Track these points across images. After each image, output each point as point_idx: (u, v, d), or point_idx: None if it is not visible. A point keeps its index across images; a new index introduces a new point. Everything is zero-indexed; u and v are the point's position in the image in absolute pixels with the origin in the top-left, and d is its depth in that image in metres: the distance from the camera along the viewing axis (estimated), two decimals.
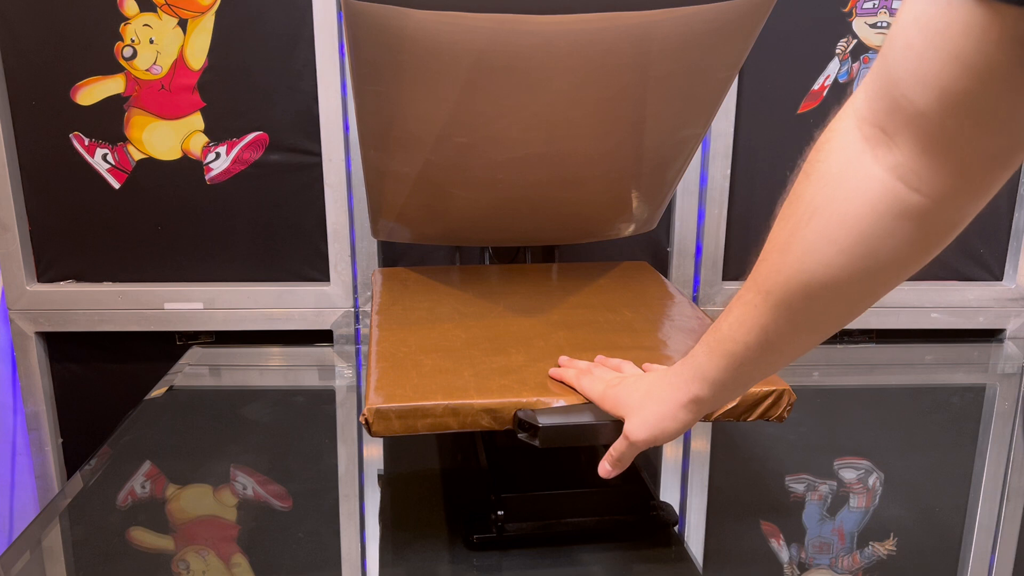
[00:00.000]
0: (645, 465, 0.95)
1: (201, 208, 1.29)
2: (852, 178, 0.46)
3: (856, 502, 0.86)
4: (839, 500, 0.86)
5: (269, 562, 0.76)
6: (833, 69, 1.27)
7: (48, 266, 1.31)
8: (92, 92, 1.23)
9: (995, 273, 1.38)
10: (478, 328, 0.88)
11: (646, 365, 0.75)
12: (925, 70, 0.40)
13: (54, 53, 1.21)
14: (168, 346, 1.33)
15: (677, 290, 1.04)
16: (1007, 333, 1.38)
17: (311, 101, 1.24)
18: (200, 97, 1.24)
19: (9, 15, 1.19)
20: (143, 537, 0.79)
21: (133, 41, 1.21)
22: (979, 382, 1.28)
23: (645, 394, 0.65)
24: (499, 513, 0.76)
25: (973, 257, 1.37)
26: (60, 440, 1.38)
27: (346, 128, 1.25)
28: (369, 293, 1.31)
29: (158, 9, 1.20)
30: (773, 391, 0.73)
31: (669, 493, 0.91)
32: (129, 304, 1.31)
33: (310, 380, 1.27)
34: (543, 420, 0.69)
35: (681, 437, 1.03)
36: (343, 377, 1.23)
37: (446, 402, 0.70)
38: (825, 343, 1.19)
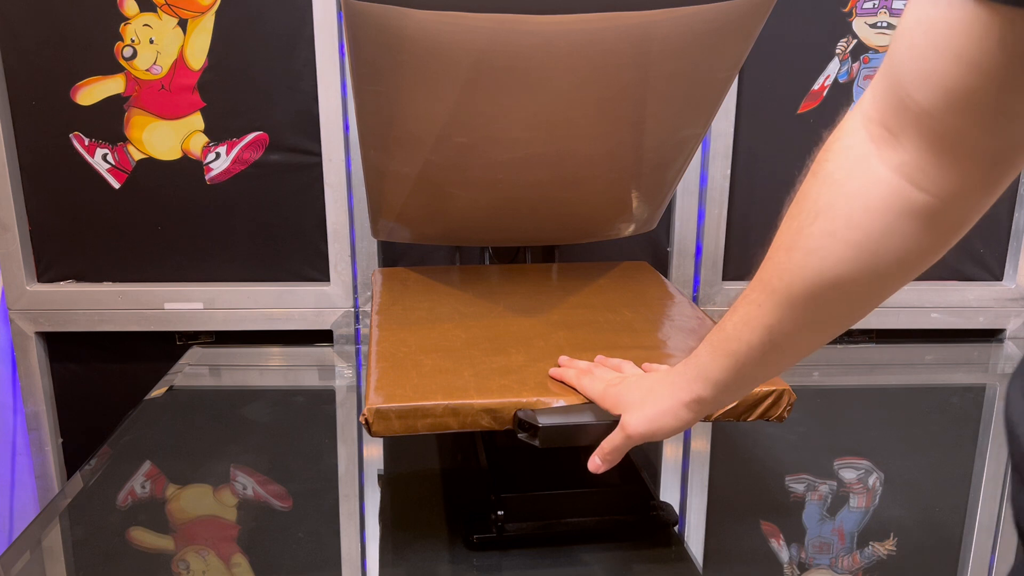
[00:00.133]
0: (645, 465, 0.95)
1: (201, 208, 1.29)
2: (858, 177, 0.46)
3: (856, 502, 0.86)
4: (839, 500, 0.86)
5: (269, 562, 0.76)
6: (833, 69, 1.27)
7: (48, 266, 1.31)
8: (92, 92, 1.23)
9: (995, 273, 1.38)
10: (478, 328, 0.88)
11: (646, 365, 0.75)
12: (929, 70, 0.40)
13: (54, 53, 1.21)
14: (168, 346, 1.33)
15: (677, 290, 1.04)
16: (1007, 333, 1.38)
17: (311, 101, 1.24)
18: (200, 97, 1.24)
19: (9, 15, 1.19)
20: (143, 537, 0.79)
21: (133, 41, 1.21)
22: (979, 382, 1.28)
23: (647, 392, 0.65)
24: (499, 513, 0.76)
25: (973, 257, 1.37)
26: (60, 440, 1.38)
27: (346, 128, 1.25)
28: (369, 293, 1.31)
29: (158, 9, 1.20)
30: (773, 391, 0.73)
31: (669, 493, 0.91)
32: (129, 304, 1.31)
33: (310, 380, 1.27)
34: (543, 420, 0.69)
35: (681, 437, 1.03)
36: (343, 377, 1.23)
37: (446, 402, 0.70)
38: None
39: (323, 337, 1.33)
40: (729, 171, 1.30)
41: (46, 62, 1.21)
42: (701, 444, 1.02)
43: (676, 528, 0.80)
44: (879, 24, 1.25)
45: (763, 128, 1.30)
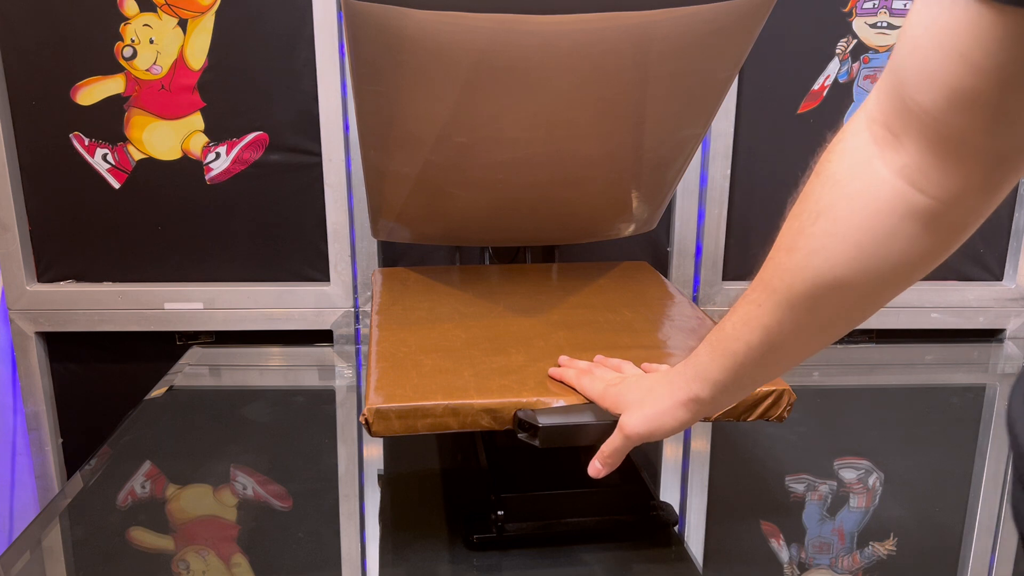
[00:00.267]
0: (645, 465, 0.95)
1: (201, 208, 1.29)
2: (860, 179, 0.46)
3: (856, 502, 0.86)
4: (839, 500, 0.86)
5: (269, 562, 0.76)
6: (833, 69, 1.27)
7: (48, 266, 1.31)
8: (92, 92, 1.23)
9: (995, 273, 1.38)
10: (478, 328, 0.88)
11: (646, 365, 0.75)
12: (930, 69, 0.40)
13: (54, 53, 1.21)
14: (168, 346, 1.33)
15: (677, 290, 1.04)
16: (1007, 333, 1.38)
17: (311, 101, 1.24)
18: (200, 97, 1.24)
19: (9, 15, 1.19)
20: (143, 537, 0.79)
21: (133, 41, 1.21)
22: (979, 382, 1.28)
23: (646, 392, 0.65)
24: (499, 513, 0.76)
25: (973, 257, 1.37)
26: (60, 440, 1.38)
27: (346, 128, 1.25)
28: (369, 293, 1.31)
29: (158, 9, 1.20)
30: (773, 391, 0.73)
31: (669, 493, 0.91)
32: (129, 304, 1.31)
33: (310, 380, 1.27)
34: (543, 420, 0.69)
35: (681, 437, 1.03)
36: (343, 377, 1.23)
37: (446, 402, 0.70)
38: None
39: (323, 337, 1.33)
40: (729, 171, 1.30)
41: (46, 62, 1.21)
42: (701, 444, 1.02)
43: (676, 528, 0.80)
44: (879, 24, 1.25)
45: (763, 128, 1.29)
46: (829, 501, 0.86)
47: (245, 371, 1.29)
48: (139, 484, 0.89)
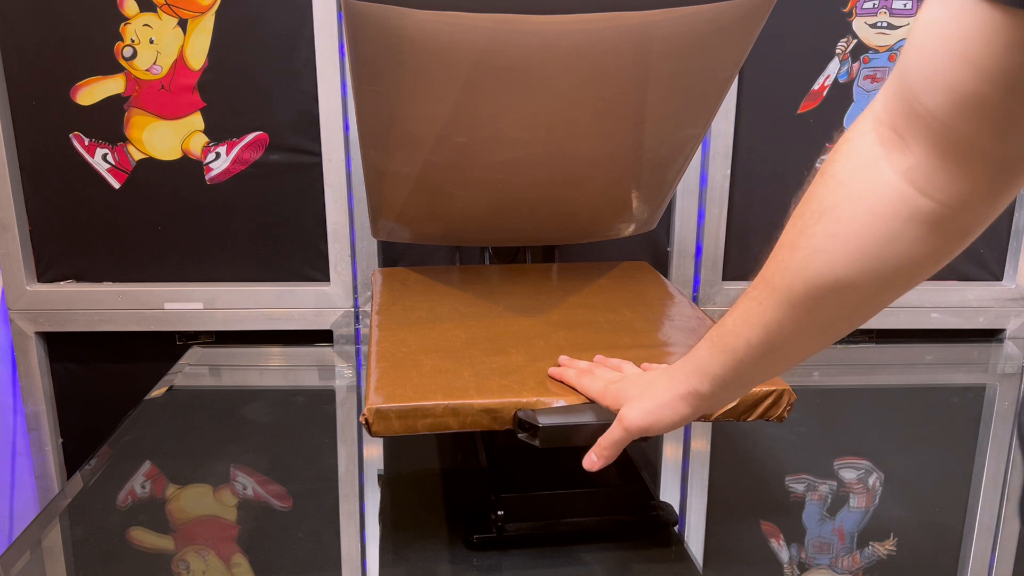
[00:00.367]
0: (645, 465, 0.95)
1: (201, 208, 1.29)
2: (864, 180, 0.46)
3: (856, 502, 0.86)
4: (839, 500, 0.86)
5: (269, 562, 0.76)
6: (833, 69, 1.27)
7: (48, 266, 1.31)
8: (92, 92, 1.23)
9: (995, 273, 1.38)
10: (478, 328, 0.88)
11: (645, 365, 0.75)
12: (937, 73, 0.40)
13: (54, 53, 1.21)
14: (168, 346, 1.33)
15: (677, 290, 1.04)
16: (1007, 333, 1.38)
17: (311, 101, 1.24)
18: (200, 97, 1.24)
19: (9, 15, 1.19)
20: (143, 537, 0.79)
21: (133, 41, 1.21)
22: (979, 382, 1.28)
23: (647, 385, 0.65)
24: (499, 513, 0.76)
25: (973, 257, 1.37)
26: (60, 440, 1.38)
27: (346, 128, 1.25)
28: (369, 293, 1.31)
29: (158, 9, 1.20)
30: (773, 391, 0.73)
31: (669, 493, 0.91)
32: (129, 304, 1.31)
33: (310, 380, 1.27)
34: (543, 420, 0.69)
35: (681, 437, 1.03)
36: (343, 377, 1.23)
37: (446, 402, 0.70)
38: None
39: (323, 337, 1.33)
40: (729, 171, 1.30)
41: (46, 62, 1.21)
42: (701, 444, 1.02)
43: (676, 528, 0.80)
44: (879, 24, 1.25)
45: (763, 128, 1.29)
46: (829, 501, 0.86)
47: (245, 371, 1.29)
48: (139, 484, 0.89)
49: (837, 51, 1.27)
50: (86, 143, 1.25)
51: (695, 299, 1.36)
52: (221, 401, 1.14)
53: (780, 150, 1.30)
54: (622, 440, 0.66)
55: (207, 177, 1.28)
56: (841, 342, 1.35)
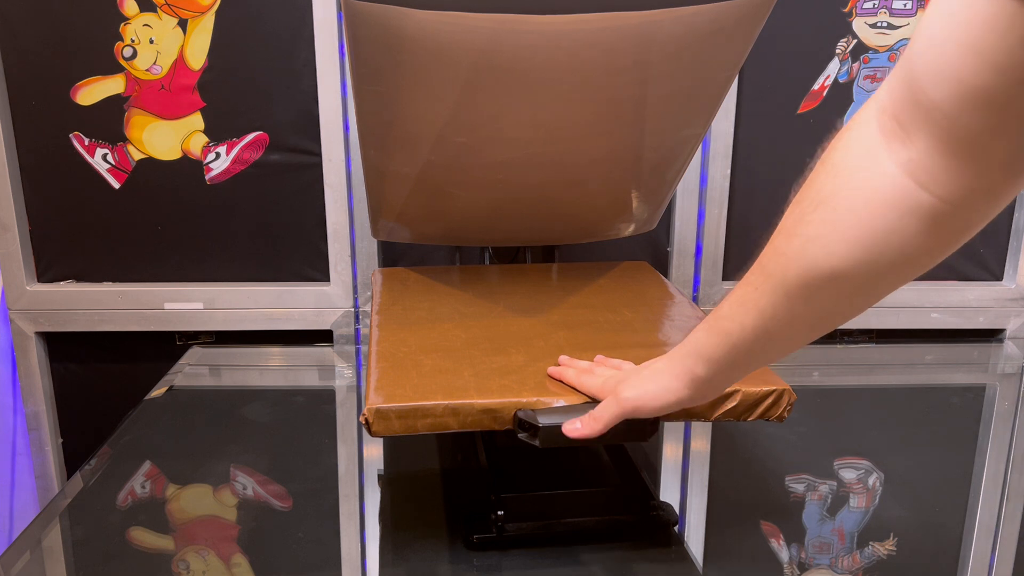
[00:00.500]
0: (645, 465, 0.95)
1: (201, 208, 1.29)
2: (863, 170, 0.45)
3: (856, 502, 0.86)
4: (839, 500, 0.86)
5: (269, 562, 0.76)
6: (833, 69, 1.27)
7: (48, 266, 1.31)
8: (92, 92, 1.23)
9: (995, 273, 1.38)
10: (478, 328, 0.88)
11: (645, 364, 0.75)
12: (944, 63, 0.39)
13: (54, 53, 1.21)
14: (168, 346, 1.33)
15: (677, 290, 1.04)
16: (1007, 333, 1.38)
17: (311, 101, 1.24)
18: (200, 97, 1.24)
19: (9, 15, 1.19)
20: (143, 537, 0.79)
21: (133, 41, 1.21)
22: (979, 382, 1.28)
23: (643, 368, 0.66)
24: (499, 513, 0.76)
25: (973, 257, 1.37)
26: (60, 440, 1.38)
27: (346, 128, 1.25)
28: (369, 293, 1.31)
29: (158, 9, 1.20)
30: (773, 391, 0.73)
31: (669, 493, 0.91)
32: (129, 304, 1.31)
33: (310, 380, 1.27)
34: (543, 420, 0.69)
35: (681, 437, 1.03)
36: (343, 377, 1.23)
37: (446, 402, 0.70)
38: (825, 343, 1.19)
39: (323, 337, 1.33)
40: (729, 171, 1.30)
41: (46, 62, 1.21)
42: (701, 444, 1.02)
43: (676, 528, 0.80)
44: (879, 24, 1.25)
45: (763, 128, 1.29)
46: (829, 501, 0.86)
47: (245, 371, 1.29)
48: (139, 484, 0.89)
49: (837, 51, 1.27)
50: (86, 143, 1.25)
51: (695, 299, 1.36)
52: (221, 401, 1.14)
53: (780, 150, 1.30)
54: (613, 415, 0.66)
55: (207, 177, 1.28)
56: (841, 342, 1.36)
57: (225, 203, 1.29)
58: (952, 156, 0.42)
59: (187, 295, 1.31)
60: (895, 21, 1.25)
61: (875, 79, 1.28)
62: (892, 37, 1.26)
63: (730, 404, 0.72)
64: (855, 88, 1.28)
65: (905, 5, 1.24)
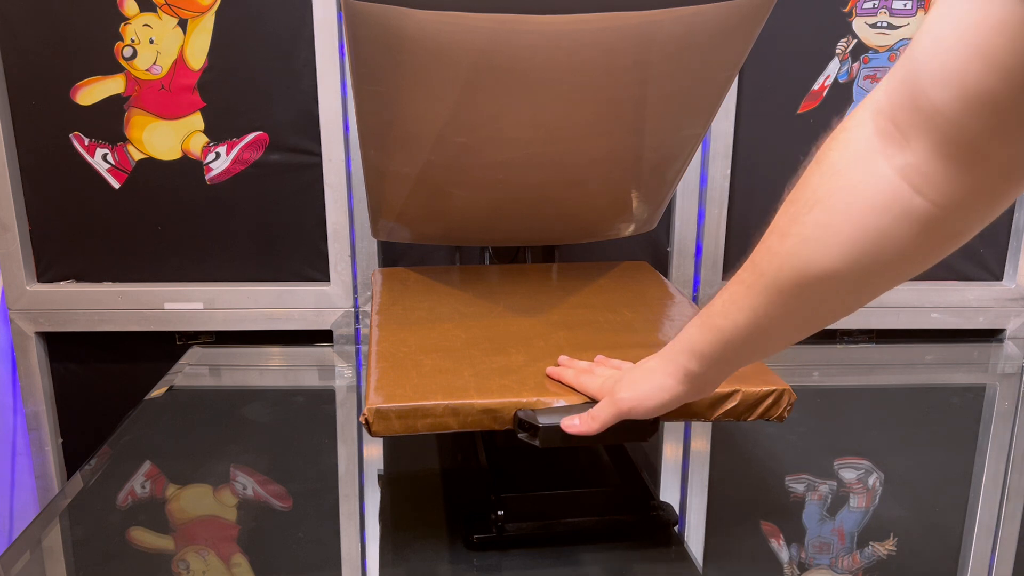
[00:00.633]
0: (645, 465, 0.95)
1: (201, 208, 1.29)
2: (858, 172, 0.45)
3: (856, 502, 0.86)
4: (839, 500, 0.86)
5: (269, 562, 0.76)
6: (833, 69, 1.27)
7: (48, 266, 1.31)
8: (92, 92, 1.23)
9: (995, 273, 1.38)
10: (478, 328, 0.88)
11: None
12: (950, 66, 0.38)
13: (54, 53, 1.21)
14: (168, 346, 1.33)
15: (677, 290, 1.04)
16: (1007, 333, 1.38)
17: (311, 101, 1.24)
18: (200, 97, 1.24)
19: (9, 15, 1.19)
20: (143, 537, 0.79)
21: (133, 41, 1.21)
22: (979, 382, 1.28)
23: (639, 368, 0.67)
24: (499, 513, 0.76)
25: (973, 257, 1.37)
26: (60, 440, 1.38)
27: (346, 128, 1.25)
28: (369, 293, 1.31)
29: (158, 9, 1.20)
30: (773, 391, 0.73)
31: (669, 493, 0.91)
32: (129, 304, 1.31)
33: (310, 380, 1.27)
34: (543, 420, 0.69)
35: (681, 437, 1.03)
36: (343, 377, 1.23)
37: (446, 402, 0.70)
38: (825, 343, 1.19)
39: (323, 337, 1.33)
40: (729, 171, 1.30)
41: (46, 62, 1.21)
42: (701, 444, 1.02)
43: (676, 528, 0.80)
44: (879, 24, 1.25)
45: (763, 128, 1.29)
46: (829, 501, 0.86)
47: (245, 371, 1.29)
48: (139, 484, 0.89)
49: (837, 51, 1.27)
50: (86, 143, 1.25)
51: (695, 299, 1.36)
52: (221, 401, 1.14)
53: (780, 150, 1.30)
54: (611, 416, 0.66)
55: (207, 177, 1.28)
56: (841, 342, 1.36)
57: (225, 203, 1.29)
58: (950, 161, 0.41)
59: (187, 295, 1.31)
60: (895, 21, 1.25)
61: (875, 79, 1.28)
62: (892, 37, 1.26)
63: (730, 404, 0.72)
64: (855, 88, 1.28)
65: (905, 5, 1.24)
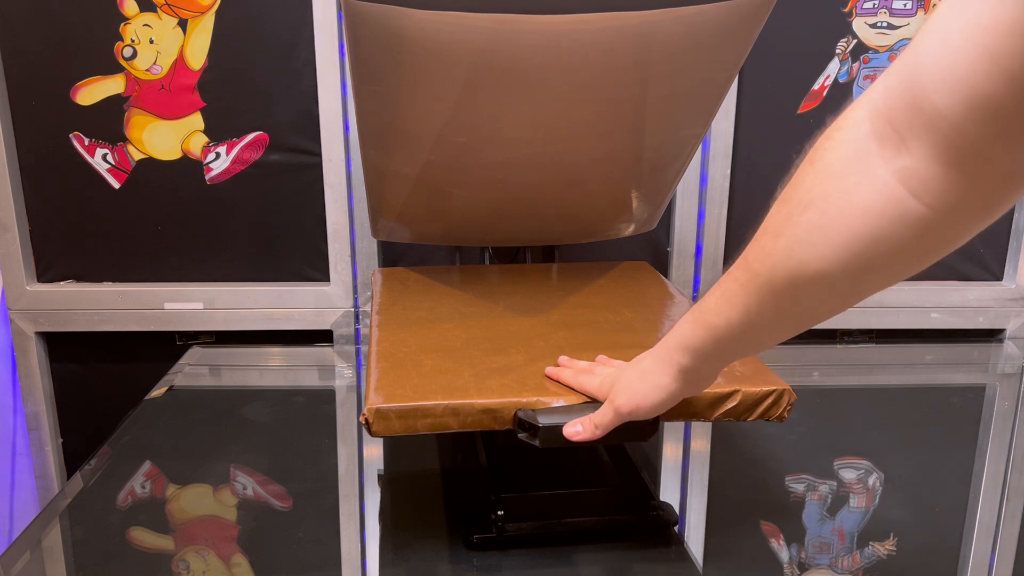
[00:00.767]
0: (645, 465, 0.95)
1: (201, 208, 1.29)
2: (854, 174, 0.44)
3: (856, 502, 0.86)
4: (839, 500, 0.86)
5: (269, 562, 0.76)
6: (833, 69, 1.27)
7: (48, 266, 1.31)
8: (92, 92, 1.23)
9: (995, 273, 1.38)
10: (478, 328, 0.88)
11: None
12: (956, 68, 0.37)
13: (54, 53, 1.21)
14: (168, 346, 1.33)
15: (677, 290, 1.04)
16: (1007, 333, 1.38)
17: (311, 101, 1.24)
18: (200, 97, 1.24)
19: (9, 15, 1.19)
20: (143, 537, 0.79)
21: (133, 41, 1.21)
22: (979, 382, 1.28)
23: (634, 367, 0.67)
24: (499, 513, 0.76)
25: (973, 257, 1.37)
26: (60, 440, 1.38)
27: (346, 128, 1.25)
28: (369, 293, 1.31)
29: (158, 9, 1.20)
30: (773, 391, 0.73)
31: (669, 493, 0.91)
32: (129, 304, 1.31)
33: (310, 380, 1.27)
34: (543, 420, 0.69)
35: (681, 437, 1.03)
36: (343, 377, 1.23)
37: (446, 402, 0.70)
38: (825, 343, 1.19)
39: (323, 337, 1.33)
40: (729, 171, 1.30)
41: (46, 62, 1.21)
42: (701, 444, 1.02)
43: (676, 528, 0.80)
44: (879, 24, 1.25)
45: (763, 128, 1.29)
46: (829, 501, 0.86)
47: (245, 371, 1.29)
48: (139, 484, 0.89)
49: (837, 51, 1.27)
50: (86, 143, 1.25)
51: (695, 299, 1.36)
52: (221, 401, 1.14)
53: (780, 150, 1.30)
54: (612, 422, 0.67)
55: (207, 177, 1.28)
56: (841, 342, 1.36)
57: (225, 203, 1.29)
58: (951, 167, 0.40)
59: (187, 295, 1.31)
60: (895, 21, 1.25)
61: (875, 79, 1.27)
62: (892, 37, 1.26)
63: (730, 404, 0.72)
64: (855, 88, 1.28)
65: (905, 5, 1.24)
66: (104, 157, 1.26)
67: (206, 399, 1.16)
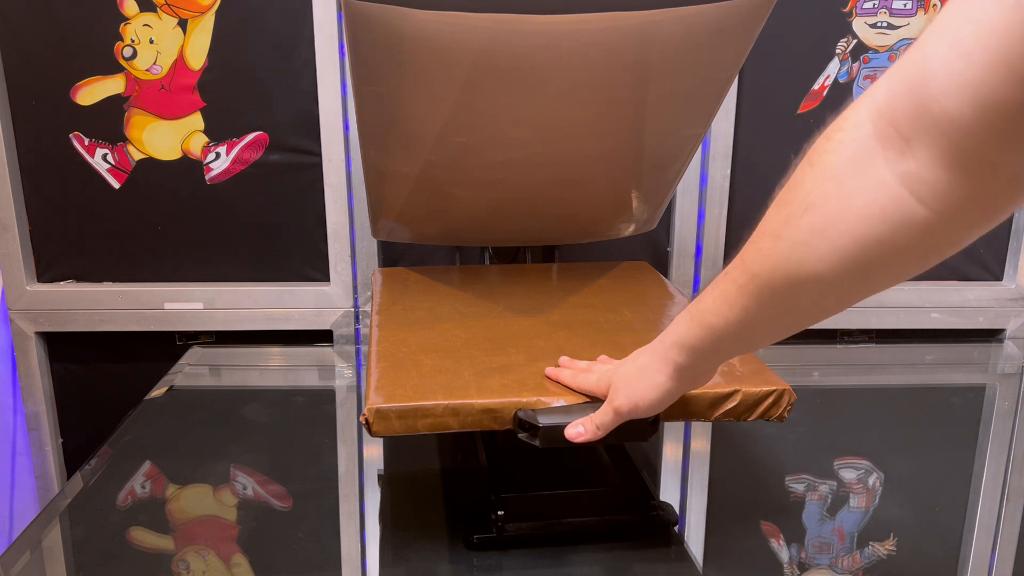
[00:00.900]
0: (645, 465, 0.95)
1: (201, 208, 1.29)
2: (856, 176, 0.44)
3: (856, 502, 0.86)
4: (839, 500, 0.86)
5: (269, 562, 0.76)
6: (833, 69, 1.27)
7: (48, 266, 1.31)
8: (92, 92, 1.23)
9: (995, 273, 1.38)
10: (478, 328, 0.88)
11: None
12: (969, 76, 0.36)
13: (54, 53, 1.21)
14: (168, 346, 1.33)
15: (677, 290, 1.04)
16: (1007, 333, 1.38)
17: (311, 101, 1.24)
18: (200, 97, 1.24)
19: (9, 15, 1.19)
20: (143, 537, 0.79)
21: (133, 41, 1.21)
22: (979, 382, 1.28)
23: (631, 363, 0.67)
24: (499, 513, 0.76)
25: (973, 257, 1.37)
26: (60, 440, 1.38)
27: (346, 128, 1.25)
28: (369, 293, 1.31)
29: (158, 9, 1.20)
30: (773, 391, 0.73)
31: (669, 493, 0.91)
32: (129, 304, 1.31)
33: (310, 380, 1.27)
34: (543, 420, 0.69)
35: (681, 437, 1.03)
36: (343, 377, 1.23)
37: (446, 402, 0.70)
38: (825, 343, 1.19)
39: (323, 337, 1.33)
40: (729, 171, 1.30)
41: (46, 62, 1.21)
42: (701, 444, 1.02)
43: (676, 528, 0.80)
44: (879, 24, 1.25)
45: (763, 128, 1.29)
46: (829, 501, 0.86)
47: (245, 371, 1.29)
48: (139, 484, 0.89)
49: (837, 51, 1.27)
50: (86, 143, 1.25)
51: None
52: (221, 401, 1.14)
53: (780, 150, 1.30)
54: (612, 422, 0.67)
55: (207, 177, 1.28)
56: (841, 342, 1.35)
57: (225, 203, 1.29)
58: (957, 171, 0.40)
59: (187, 295, 1.31)
60: (895, 21, 1.25)
61: (875, 79, 1.27)
62: (892, 37, 1.26)
63: (730, 404, 0.72)
64: (855, 88, 1.28)
65: (905, 5, 1.24)
66: (104, 157, 1.26)
67: (206, 399, 1.16)
